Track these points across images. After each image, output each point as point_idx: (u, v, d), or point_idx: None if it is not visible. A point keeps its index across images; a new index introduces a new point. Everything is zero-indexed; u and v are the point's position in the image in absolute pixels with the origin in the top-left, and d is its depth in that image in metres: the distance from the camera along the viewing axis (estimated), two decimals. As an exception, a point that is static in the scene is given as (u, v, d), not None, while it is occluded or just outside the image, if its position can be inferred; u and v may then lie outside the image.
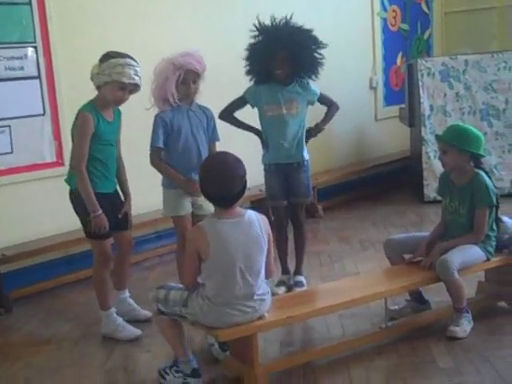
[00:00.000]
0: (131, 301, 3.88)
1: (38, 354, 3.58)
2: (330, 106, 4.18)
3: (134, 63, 3.49)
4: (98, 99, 3.53)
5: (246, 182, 2.92)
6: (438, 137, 3.63)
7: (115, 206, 3.67)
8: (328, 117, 4.17)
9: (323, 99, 4.15)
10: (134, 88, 3.54)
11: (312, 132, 4.09)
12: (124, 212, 3.73)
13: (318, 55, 3.98)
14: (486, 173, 3.53)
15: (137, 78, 3.49)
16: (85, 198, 3.46)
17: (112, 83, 3.44)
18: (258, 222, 2.91)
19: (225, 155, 3.02)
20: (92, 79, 3.53)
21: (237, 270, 2.84)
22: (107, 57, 3.46)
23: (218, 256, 2.83)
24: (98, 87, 3.52)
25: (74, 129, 3.52)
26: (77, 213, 3.59)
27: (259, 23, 3.97)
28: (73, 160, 3.48)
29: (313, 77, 4.03)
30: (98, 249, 3.60)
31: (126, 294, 3.89)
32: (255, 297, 2.90)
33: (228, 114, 4.10)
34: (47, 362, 3.48)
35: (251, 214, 2.93)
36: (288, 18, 3.95)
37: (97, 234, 3.51)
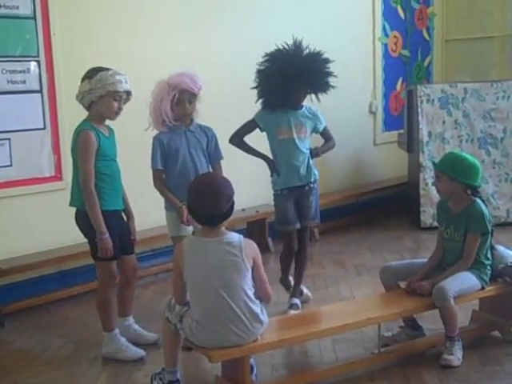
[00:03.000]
0: (136, 326, 3.80)
1: (27, 369, 3.55)
2: (328, 141, 4.21)
3: (121, 72, 3.49)
4: (93, 116, 3.51)
5: (233, 202, 2.94)
6: (433, 163, 3.65)
7: (122, 225, 3.65)
8: (325, 148, 4.20)
9: (325, 132, 4.20)
10: (127, 97, 3.53)
11: (313, 152, 4.10)
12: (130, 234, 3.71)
13: (330, 75, 4.04)
14: (483, 201, 3.53)
15: (128, 85, 3.49)
16: (92, 219, 3.41)
17: (107, 95, 3.43)
18: (239, 244, 2.91)
19: (211, 175, 3.06)
20: (82, 99, 3.49)
21: (210, 287, 2.86)
22: (95, 71, 3.45)
23: (191, 272, 2.90)
24: (90, 104, 3.49)
25: (76, 149, 3.47)
26: (84, 234, 3.54)
27: (267, 53, 3.99)
28: (81, 180, 3.42)
29: (326, 91, 4.09)
30: (103, 269, 3.56)
31: (131, 320, 3.80)
32: (244, 319, 2.89)
33: (238, 139, 4.09)
34: (35, 378, 3.45)
35: (233, 236, 2.95)
36: (298, 43, 3.98)
37: (102, 256, 3.46)
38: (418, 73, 7.72)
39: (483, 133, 6.15)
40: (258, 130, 4.10)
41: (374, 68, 7.18)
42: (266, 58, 4.00)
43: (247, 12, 5.82)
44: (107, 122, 3.61)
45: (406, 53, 7.52)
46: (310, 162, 4.08)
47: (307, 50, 4.00)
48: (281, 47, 3.99)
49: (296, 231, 4.13)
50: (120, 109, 3.51)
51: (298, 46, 4.00)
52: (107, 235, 3.42)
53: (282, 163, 4.05)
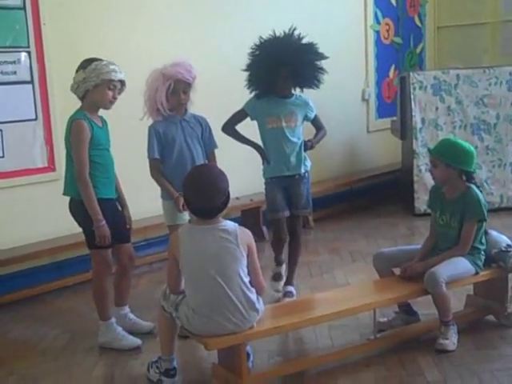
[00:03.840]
0: (132, 315, 3.80)
1: (22, 360, 3.55)
2: (320, 130, 4.19)
3: (115, 63, 3.51)
4: (87, 106, 3.52)
5: (228, 194, 2.96)
6: (429, 150, 3.65)
7: (117, 213, 3.65)
8: (319, 137, 4.18)
9: (316, 120, 4.18)
10: (121, 86, 3.55)
11: (308, 145, 4.09)
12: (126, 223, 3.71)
13: (319, 69, 4.01)
14: (478, 187, 3.54)
15: (122, 74, 3.50)
16: (88, 207, 3.42)
17: (101, 84, 3.44)
18: (235, 231, 2.92)
19: (207, 167, 3.08)
20: (76, 88, 3.50)
21: (207, 275, 2.87)
22: (89, 61, 3.47)
23: (188, 259, 2.90)
24: (85, 94, 3.50)
25: (69, 138, 3.48)
26: (79, 222, 3.55)
27: (260, 39, 3.97)
28: (76, 169, 3.43)
29: (314, 87, 4.07)
30: (99, 257, 3.55)
31: (126, 310, 3.80)
32: (240, 307, 2.89)
33: (230, 128, 4.09)
34: (31, 368, 3.45)
35: (229, 224, 2.96)
36: (290, 31, 3.96)
37: (100, 244, 3.47)
38: (410, 60, 7.72)
39: (476, 119, 6.16)
40: (249, 118, 4.09)
41: (366, 55, 7.18)
42: (257, 45, 3.99)
43: (243, 3, 5.80)
44: (101, 112, 3.60)
45: (398, 40, 7.52)
46: (302, 152, 4.08)
47: (299, 39, 3.98)
48: (273, 34, 3.98)
49: (287, 219, 4.12)
50: (114, 98, 3.52)
51: (290, 34, 3.97)
52: (104, 222, 3.43)
53: (272, 152, 4.05)
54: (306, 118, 4.11)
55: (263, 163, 4.11)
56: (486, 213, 3.46)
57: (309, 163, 4.14)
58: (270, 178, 4.10)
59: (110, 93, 3.48)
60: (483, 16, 7.54)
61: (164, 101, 3.63)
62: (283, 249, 4.23)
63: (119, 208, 3.71)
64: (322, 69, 4.03)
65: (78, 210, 3.48)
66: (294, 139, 4.03)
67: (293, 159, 4.04)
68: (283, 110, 4.00)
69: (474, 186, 3.50)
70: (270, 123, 4.01)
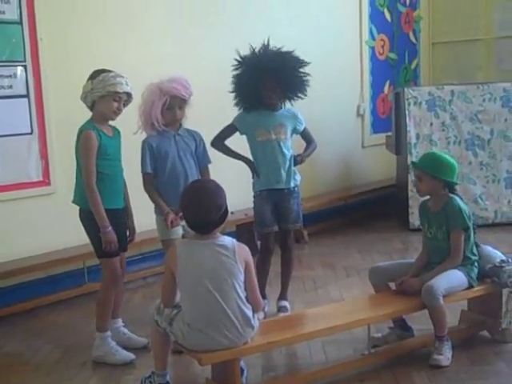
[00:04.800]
0: (125, 330, 3.80)
1: (15, 375, 3.53)
2: (310, 143, 4.20)
3: (123, 75, 3.56)
4: (95, 116, 3.58)
5: (226, 209, 2.96)
6: (413, 164, 3.68)
7: (123, 223, 3.68)
8: (308, 152, 4.18)
9: (306, 134, 4.19)
10: (128, 98, 3.59)
11: (297, 159, 4.10)
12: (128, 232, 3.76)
13: (302, 74, 4.03)
14: (461, 198, 3.58)
15: (128, 87, 3.56)
16: (95, 215, 3.47)
17: (107, 96, 3.50)
18: (232, 247, 2.93)
19: (205, 183, 3.09)
20: (85, 98, 3.56)
21: (204, 290, 2.86)
22: (98, 72, 3.53)
23: (185, 274, 2.90)
24: (92, 104, 3.56)
25: (78, 148, 3.54)
26: (87, 232, 3.59)
27: (239, 56, 4.01)
28: (84, 178, 3.49)
29: (301, 95, 4.08)
30: (109, 267, 3.58)
31: (120, 323, 3.80)
32: (236, 322, 2.89)
33: (219, 142, 4.11)
34: (25, 383, 3.43)
35: (227, 239, 2.97)
36: (266, 43, 3.98)
37: (107, 251, 3.50)
38: (405, 75, 7.77)
39: (470, 134, 6.19)
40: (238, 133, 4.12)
41: (361, 71, 7.22)
42: (237, 61, 4.02)
43: (237, 18, 5.84)
44: (113, 122, 3.66)
45: (393, 56, 7.57)
46: (292, 165, 4.08)
47: (277, 49, 3.99)
48: (251, 48, 4.00)
49: (278, 234, 4.12)
50: (119, 109, 3.57)
51: (266, 45, 3.99)
52: (110, 228, 3.48)
53: (261, 165, 4.06)
54: (295, 130, 4.12)
55: (253, 177, 4.12)
56: (467, 221, 3.48)
57: (298, 177, 4.15)
58: (259, 191, 4.10)
59: (115, 104, 3.53)
60: (477, 32, 7.60)
61: (159, 116, 3.65)
62: (267, 274, 4.18)
63: (124, 218, 3.73)
64: (305, 74, 4.04)
65: (87, 219, 3.54)
66: (285, 151, 4.04)
67: (283, 172, 4.05)
68: (272, 122, 4.02)
69: (455, 197, 3.53)
70: (260, 136, 4.03)
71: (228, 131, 4.12)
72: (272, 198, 4.08)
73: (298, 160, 4.09)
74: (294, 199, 4.11)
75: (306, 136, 4.20)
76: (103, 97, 3.50)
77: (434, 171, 3.48)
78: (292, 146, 4.14)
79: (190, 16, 5.52)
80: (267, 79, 3.91)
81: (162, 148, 3.70)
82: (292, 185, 4.09)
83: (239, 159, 4.14)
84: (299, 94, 4.08)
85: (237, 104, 4.07)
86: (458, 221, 3.47)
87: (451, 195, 3.53)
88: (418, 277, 3.49)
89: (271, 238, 4.12)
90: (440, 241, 3.52)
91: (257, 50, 3.98)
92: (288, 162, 4.06)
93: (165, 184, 3.71)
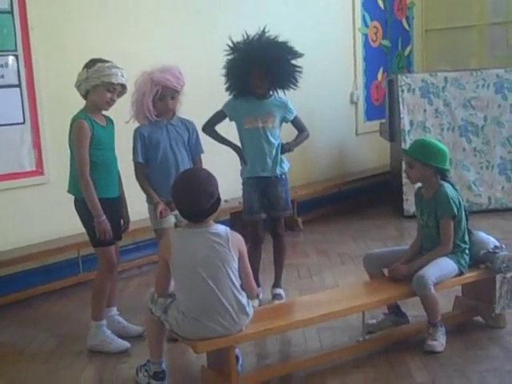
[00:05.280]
0: (120, 318, 3.80)
1: (11, 364, 3.54)
2: (301, 132, 4.19)
3: (119, 66, 3.55)
4: (88, 105, 3.56)
5: (218, 197, 2.96)
6: (404, 151, 3.68)
7: (117, 212, 3.68)
8: (298, 141, 4.18)
9: (297, 122, 4.18)
10: (122, 90, 3.58)
11: (285, 147, 4.10)
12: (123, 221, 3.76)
13: (294, 65, 4.01)
14: (452, 185, 3.57)
15: (124, 78, 3.54)
16: (89, 204, 3.47)
17: (101, 86, 3.48)
18: (226, 235, 2.93)
19: (196, 171, 3.08)
20: (79, 86, 3.54)
21: (198, 278, 2.86)
22: (94, 62, 3.51)
23: (179, 263, 2.90)
24: (86, 93, 3.54)
25: (71, 138, 3.52)
26: (82, 221, 3.59)
27: (232, 42, 3.99)
28: (77, 168, 3.49)
29: (292, 86, 4.06)
30: (104, 256, 3.58)
31: (114, 311, 3.81)
32: (231, 310, 2.89)
33: (209, 128, 4.11)
34: (19, 372, 3.44)
35: (220, 228, 2.97)
36: (261, 31, 3.96)
37: (102, 240, 3.50)
38: (398, 62, 7.76)
39: (464, 121, 6.20)
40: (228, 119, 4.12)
41: (354, 58, 7.21)
42: (230, 46, 4.01)
43: (230, 7, 5.81)
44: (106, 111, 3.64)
45: (386, 43, 7.55)
46: (279, 154, 4.08)
47: (272, 38, 3.97)
48: (246, 35, 3.97)
49: (267, 221, 4.13)
50: (113, 100, 3.55)
51: (262, 33, 3.97)
52: (104, 217, 3.47)
53: (248, 152, 4.07)
54: (284, 119, 4.12)
55: (241, 164, 4.13)
56: (454, 209, 3.46)
57: (286, 165, 4.15)
58: (246, 178, 4.12)
59: (109, 94, 3.52)
60: (470, 19, 7.59)
61: (151, 106, 3.64)
62: (259, 262, 4.18)
63: (119, 207, 3.72)
64: (297, 67, 4.02)
65: (81, 208, 3.53)
66: (272, 140, 4.04)
67: (269, 160, 4.05)
68: (260, 110, 4.01)
69: (446, 184, 3.53)
70: (247, 123, 4.03)
71: (218, 117, 4.12)
72: (259, 185, 4.08)
73: (285, 148, 4.09)
74: (281, 187, 4.11)
75: (297, 124, 4.19)
76: (97, 86, 3.49)
77: (424, 158, 3.47)
78: (281, 134, 4.13)
79: (182, 5, 5.48)
80: (257, 68, 3.90)
81: (154, 137, 3.69)
82: (278, 173, 4.09)
83: (227, 145, 4.15)
84: (290, 85, 4.06)
85: (227, 89, 4.06)
86: (446, 209, 3.46)
87: (442, 182, 3.53)
88: (410, 262, 3.50)
89: (259, 225, 4.13)
90: (430, 228, 3.53)
91: (251, 38, 3.96)
92: (275, 151, 4.06)
93: (156, 173, 3.70)
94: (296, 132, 4.21)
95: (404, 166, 3.71)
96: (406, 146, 6.10)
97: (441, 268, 3.40)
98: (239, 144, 4.14)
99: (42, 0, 4.65)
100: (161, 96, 3.64)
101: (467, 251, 3.54)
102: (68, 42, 4.77)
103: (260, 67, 3.90)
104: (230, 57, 4.01)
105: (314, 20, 6.54)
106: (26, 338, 3.89)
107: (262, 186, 4.09)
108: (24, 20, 4.56)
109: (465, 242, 3.54)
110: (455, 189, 3.56)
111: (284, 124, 4.17)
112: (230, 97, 4.08)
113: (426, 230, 3.57)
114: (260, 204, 4.10)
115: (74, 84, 3.56)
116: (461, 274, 3.51)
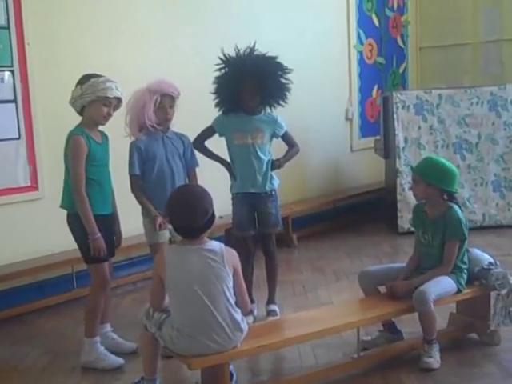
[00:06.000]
0: (114, 335, 3.79)
1: (4, 381, 3.51)
2: (291, 147, 4.19)
3: (113, 80, 3.56)
4: (85, 121, 3.56)
5: (212, 214, 2.95)
6: (411, 167, 3.68)
7: (110, 229, 3.67)
8: (288, 156, 4.17)
9: (287, 138, 4.18)
10: (117, 103, 3.59)
11: (275, 164, 4.10)
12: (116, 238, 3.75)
13: (284, 81, 4.03)
14: (459, 207, 3.56)
15: (119, 92, 3.55)
16: (84, 221, 3.45)
17: (97, 101, 3.48)
18: (220, 251, 2.92)
19: (191, 187, 3.10)
20: (74, 103, 3.54)
21: (193, 295, 2.85)
22: (87, 77, 3.51)
23: (173, 279, 2.89)
24: (82, 109, 3.54)
25: (67, 154, 3.52)
26: (75, 237, 3.57)
27: (224, 55, 4.01)
28: (72, 184, 3.48)
29: (281, 102, 4.08)
30: (97, 273, 3.56)
31: (108, 328, 3.79)
32: (226, 327, 2.88)
33: (199, 143, 4.11)
34: (14, 389, 3.42)
35: (214, 244, 2.96)
36: (251, 46, 3.98)
37: (96, 257, 3.48)
38: (393, 80, 7.80)
39: (458, 138, 6.23)
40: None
41: (349, 75, 7.24)
42: (221, 60, 4.02)
43: (225, 20, 5.84)
44: (102, 127, 3.64)
45: (381, 60, 7.60)
46: (269, 170, 4.08)
47: (262, 54, 3.99)
48: (236, 49, 3.99)
49: (258, 237, 4.13)
50: (109, 114, 3.56)
51: (252, 48, 3.99)
52: (99, 234, 3.46)
53: (238, 168, 4.08)
54: (274, 135, 4.12)
55: (230, 179, 4.14)
56: (466, 232, 3.48)
57: (276, 182, 4.15)
58: (235, 194, 4.13)
59: (105, 109, 3.52)
60: (464, 37, 7.64)
61: (152, 115, 3.66)
62: (251, 278, 4.17)
63: (112, 223, 3.71)
64: (287, 80, 4.03)
65: (74, 224, 3.52)
66: (261, 156, 4.05)
67: (258, 177, 4.05)
68: (249, 126, 4.02)
69: (455, 206, 3.52)
70: (237, 139, 4.04)
71: (207, 132, 4.13)
72: (248, 201, 4.09)
73: (276, 165, 4.10)
74: (271, 203, 4.11)
75: (287, 140, 4.19)
76: (93, 102, 3.49)
77: (428, 178, 3.45)
78: (271, 150, 4.13)
79: (176, 19, 5.51)
80: (248, 83, 3.92)
81: (150, 150, 3.71)
82: (268, 189, 4.09)
83: (217, 160, 4.16)
84: (279, 101, 4.07)
85: (217, 105, 4.07)
86: (457, 231, 3.46)
87: (450, 204, 3.52)
88: (408, 280, 3.49)
89: (249, 240, 4.13)
90: (434, 248, 3.51)
91: (241, 52, 3.98)
92: (264, 167, 4.06)
93: (152, 186, 3.71)
94: (285, 148, 4.22)
95: (410, 182, 3.69)
96: (401, 162, 6.15)
97: (441, 286, 3.40)
98: (229, 159, 4.14)
99: (39, 16, 4.67)
100: (160, 104, 3.68)
101: (465, 271, 3.53)
102: (64, 58, 4.78)
103: (250, 82, 3.91)
104: (219, 73, 4.02)
105: (309, 37, 6.58)
106: (19, 354, 3.86)
107: (251, 202, 4.09)
108: (20, 35, 4.57)
109: (464, 263, 3.53)
110: (461, 210, 3.55)
111: (275, 140, 4.18)
112: (220, 112, 4.09)
113: (429, 250, 3.55)
114: (250, 221, 4.10)
115: (70, 100, 3.57)
116: (459, 292, 3.51)
